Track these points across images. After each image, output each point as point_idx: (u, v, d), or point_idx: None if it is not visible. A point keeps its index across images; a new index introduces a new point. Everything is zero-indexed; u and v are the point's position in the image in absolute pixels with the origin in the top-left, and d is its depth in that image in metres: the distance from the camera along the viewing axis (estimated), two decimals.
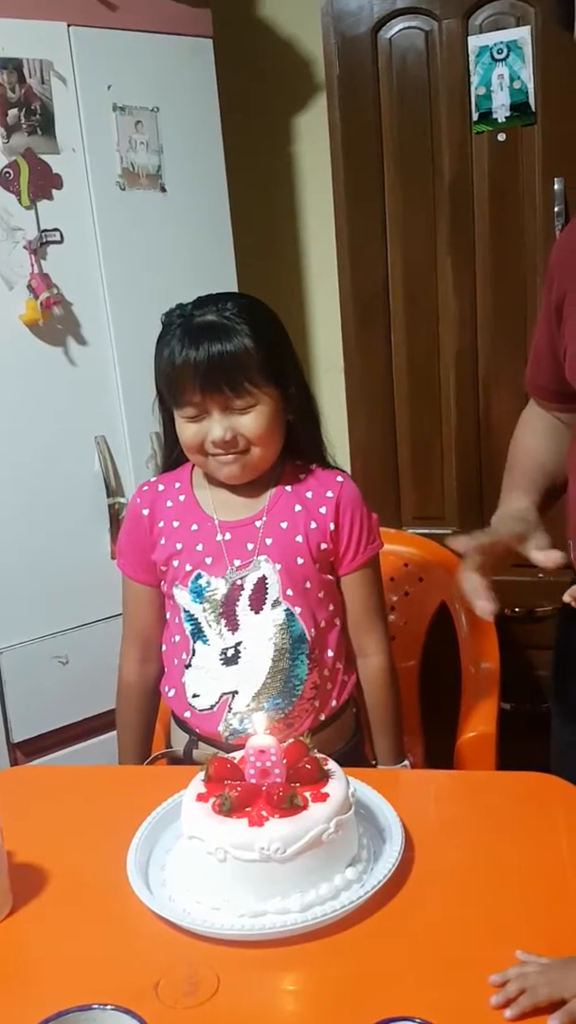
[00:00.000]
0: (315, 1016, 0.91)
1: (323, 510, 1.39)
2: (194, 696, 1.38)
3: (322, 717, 1.39)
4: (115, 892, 1.06)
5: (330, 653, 1.40)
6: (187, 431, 1.34)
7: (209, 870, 1.01)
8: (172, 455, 1.44)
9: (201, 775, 1.09)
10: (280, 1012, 0.93)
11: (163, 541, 1.41)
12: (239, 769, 1.08)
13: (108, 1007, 0.78)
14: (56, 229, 1.94)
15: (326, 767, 1.09)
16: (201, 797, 1.06)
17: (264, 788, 1.04)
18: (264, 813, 1.01)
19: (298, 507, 1.39)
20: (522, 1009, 0.86)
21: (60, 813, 1.25)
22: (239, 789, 1.04)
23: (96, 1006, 0.79)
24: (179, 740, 1.43)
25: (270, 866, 0.99)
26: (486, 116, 1.95)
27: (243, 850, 0.98)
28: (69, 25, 1.91)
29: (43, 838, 1.17)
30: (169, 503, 1.43)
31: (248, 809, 1.02)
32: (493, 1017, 0.86)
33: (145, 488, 1.47)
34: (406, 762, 1.49)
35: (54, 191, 1.94)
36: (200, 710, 1.37)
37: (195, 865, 1.03)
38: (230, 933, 0.98)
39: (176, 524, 1.41)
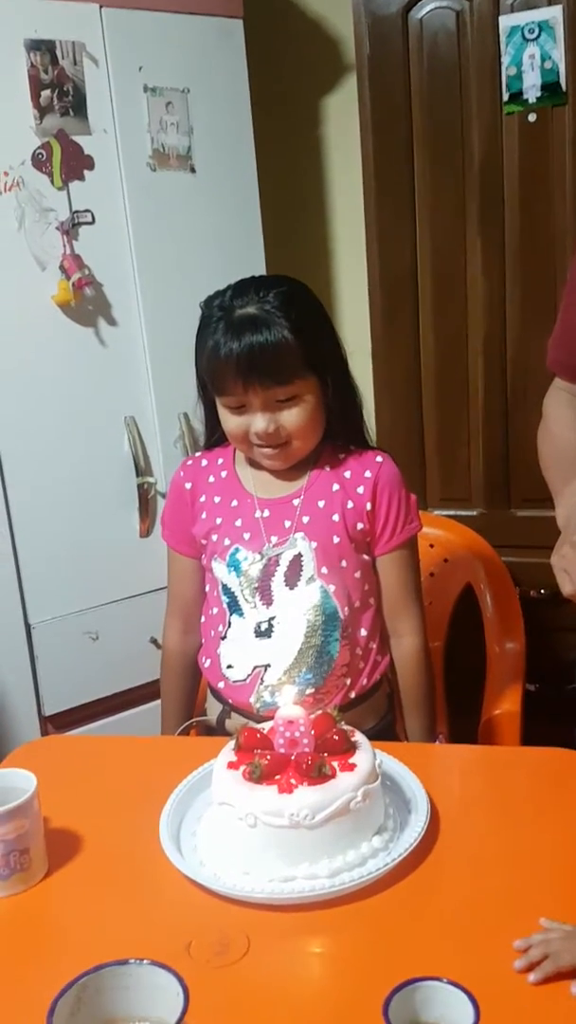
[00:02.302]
0: (342, 977, 0.94)
1: (360, 490, 1.41)
2: (228, 667, 1.40)
3: (352, 695, 1.41)
4: (147, 857, 1.08)
5: (363, 632, 1.42)
6: (230, 422, 1.36)
7: (239, 836, 1.03)
8: (213, 437, 1.47)
9: (231, 744, 1.12)
10: (309, 973, 0.95)
11: (204, 515, 1.44)
12: (268, 739, 1.10)
13: (145, 961, 0.81)
14: (88, 210, 1.96)
15: (353, 739, 1.11)
16: (232, 765, 1.08)
17: (293, 757, 1.07)
18: (293, 781, 1.04)
19: (336, 486, 1.41)
20: (545, 974, 0.88)
21: (93, 781, 1.28)
22: (269, 758, 1.06)
23: (132, 961, 0.81)
24: (214, 710, 1.46)
25: (299, 832, 1.01)
26: (516, 97, 1.94)
27: (273, 816, 1.01)
28: (101, 6, 1.92)
29: (77, 805, 1.20)
30: (211, 478, 1.46)
31: (278, 777, 1.05)
32: (517, 981, 0.88)
33: (189, 463, 1.50)
34: (437, 743, 1.51)
35: (86, 172, 1.95)
36: (233, 681, 1.40)
37: (225, 831, 1.06)
38: (260, 897, 1.00)
39: (217, 499, 1.44)
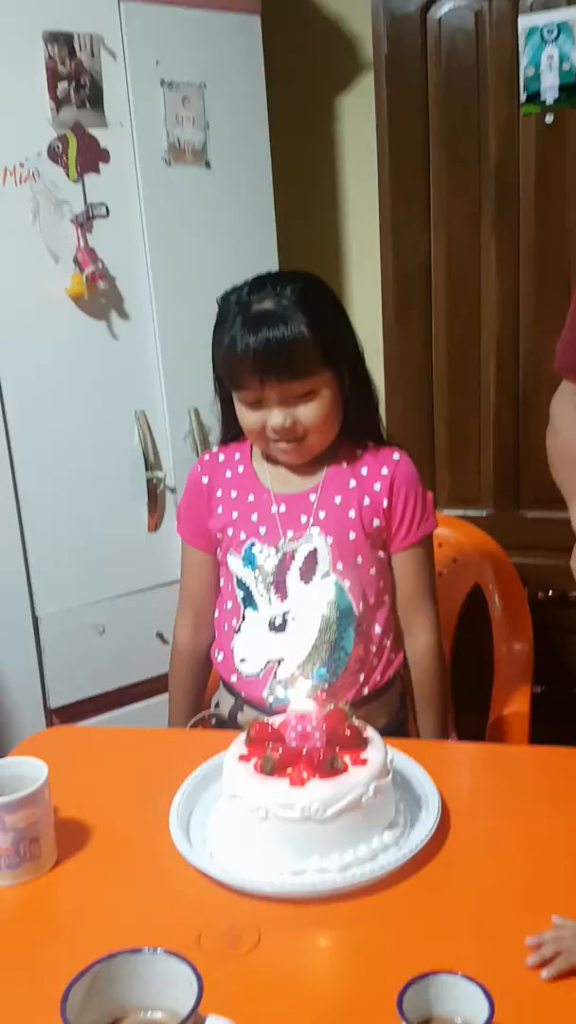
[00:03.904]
0: (353, 970, 0.93)
1: (377, 487, 1.40)
2: (241, 661, 1.40)
3: (366, 691, 1.41)
4: (158, 848, 1.08)
5: (377, 629, 1.42)
6: (248, 418, 1.36)
7: (250, 828, 1.03)
8: (229, 432, 1.47)
9: (243, 737, 1.11)
10: (319, 966, 0.95)
11: (220, 510, 1.44)
12: (280, 733, 1.10)
13: (159, 950, 0.81)
14: (102, 203, 1.96)
15: (365, 734, 1.11)
16: (243, 758, 1.08)
17: (304, 751, 1.07)
18: (305, 774, 1.03)
19: (352, 482, 1.40)
20: (559, 970, 0.87)
21: (103, 771, 1.28)
22: (280, 751, 1.06)
23: (147, 949, 0.81)
24: (226, 704, 1.46)
25: (310, 826, 1.01)
26: (534, 97, 1.94)
27: (284, 809, 1.01)
28: (120, 0, 1.93)
29: (87, 795, 1.20)
30: (228, 473, 1.46)
31: (289, 770, 1.04)
32: (529, 977, 0.88)
33: (206, 457, 1.50)
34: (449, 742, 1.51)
35: (101, 165, 1.95)
36: (246, 675, 1.40)
37: (236, 823, 1.05)
38: (271, 890, 1.00)
39: (234, 494, 1.44)
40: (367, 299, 2.36)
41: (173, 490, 2.13)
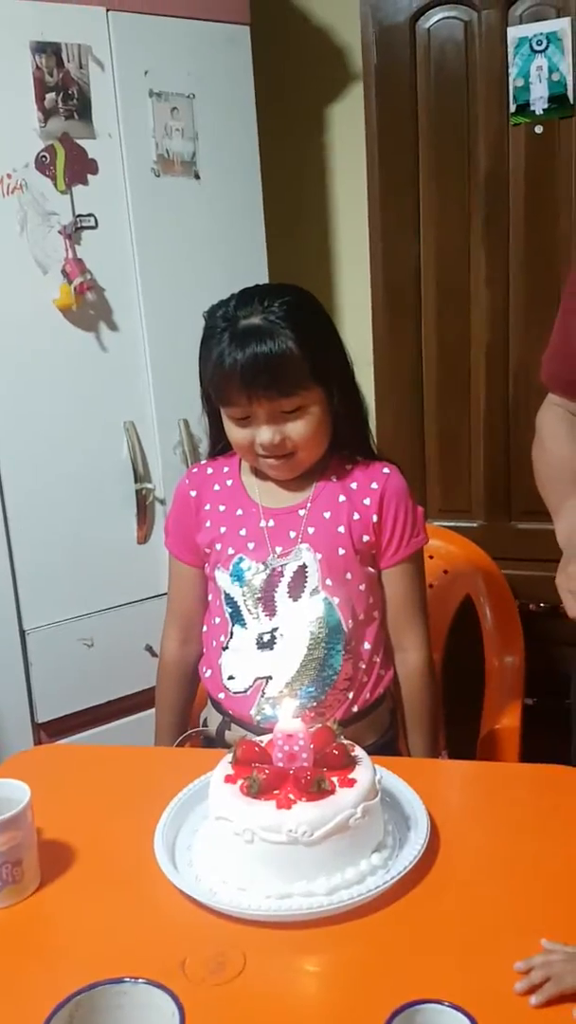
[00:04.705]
0: (339, 997, 0.92)
1: (367, 502, 1.39)
2: (229, 678, 1.39)
3: (355, 709, 1.40)
4: (142, 871, 1.07)
5: (367, 646, 1.40)
6: (236, 433, 1.35)
7: (236, 851, 1.02)
8: (217, 446, 1.46)
9: (229, 757, 1.10)
10: (304, 992, 0.94)
11: (208, 524, 1.43)
12: (267, 752, 1.09)
13: (140, 980, 0.79)
14: (91, 214, 1.95)
15: (353, 753, 1.10)
16: (229, 779, 1.07)
17: (291, 772, 1.05)
18: (292, 796, 1.02)
19: (342, 497, 1.39)
20: (548, 996, 0.86)
21: (88, 791, 1.26)
22: (267, 772, 1.05)
23: (127, 979, 0.79)
24: (214, 721, 1.44)
25: (297, 849, 0.99)
26: (524, 108, 1.94)
27: (271, 832, 0.99)
28: (108, 10, 1.92)
29: (71, 816, 1.18)
30: (217, 487, 1.44)
31: (276, 792, 1.03)
32: (518, 1003, 0.87)
33: (195, 470, 1.49)
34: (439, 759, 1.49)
35: (89, 176, 1.94)
36: (234, 692, 1.39)
37: (222, 846, 1.04)
38: (257, 914, 0.99)
39: (222, 508, 1.42)
40: (358, 309, 2.36)
41: (163, 502, 2.11)
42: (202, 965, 0.94)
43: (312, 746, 1.07)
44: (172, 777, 1.21)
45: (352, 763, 1.08)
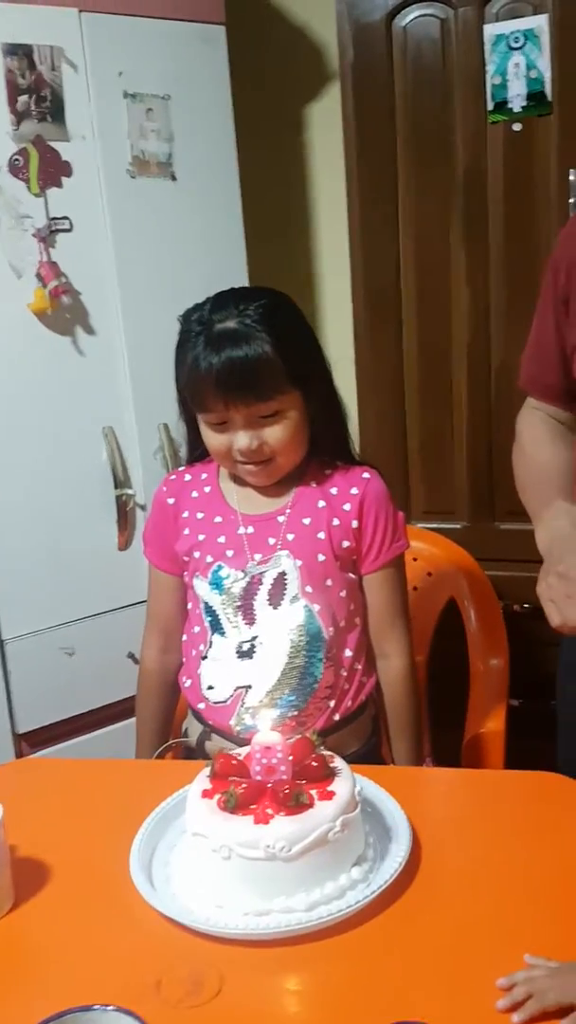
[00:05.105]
0: (319, 1018, 0.90)
1: (347, 507, 1.38)
2: (209, 688, 1.37)
3: (336, 717, 1.38)
4: (118, 889, 1.04)
5: (348, 653, 1.39)
6: (213, 440, 1.33)
7: (213, 868, 1.00)
8: (195, 452, 1.44)
9: (206, 771, 1.08)
10: (284, 1013, 0.92)
11: (187, 531, 1.41)
12: (245, 766, 1.07)
13: (109, 1008, 0.77)
14: (65, 217, 1.92)
15: (332, 764, 1.08)
16: (206, 793, 1.04)
17: (270, 785, 1.03)
18: (270, 811, 1.00)
19: (322, 503, 1.38)
20: (530, 1014, 0.84)
21: (64, 807, 1.24)
22: (244, 786, 1.02)
23: (97, 1007, 0.78)
24: (194, 732, 1.42)
25: (275, 865, 0.97)
26: (501, 106, 1.92)
27: (248, 848, 0.97)
28: (80, 11, 1.89)
29: (46, 832, 1.16)
30: (195, 494, 1.42)
31: (253, 806, 1.01)
32: (501, 1021, 0.85)
33: (172, 477, 1.47)
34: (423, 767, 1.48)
35: (64, 179, 1.92)
36: (214, 702, 1.37)
37: (199, 862, 1.02)
38: (234, 932, 0.96)
39: (200, 515, 1.40)
40: (338, 309, 2.34)
41: (143, 507, 2.09)
42: (178, 986, 0.91)
43: (291, 758, 1.05)
44: (152, 790, 1.19)
45: (331, 775, 1.06)
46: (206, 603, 1.38)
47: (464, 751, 1.61)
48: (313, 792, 1.03)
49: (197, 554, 1.39)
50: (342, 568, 1.38)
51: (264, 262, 2.25)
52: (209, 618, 1.38)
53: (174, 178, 2.05)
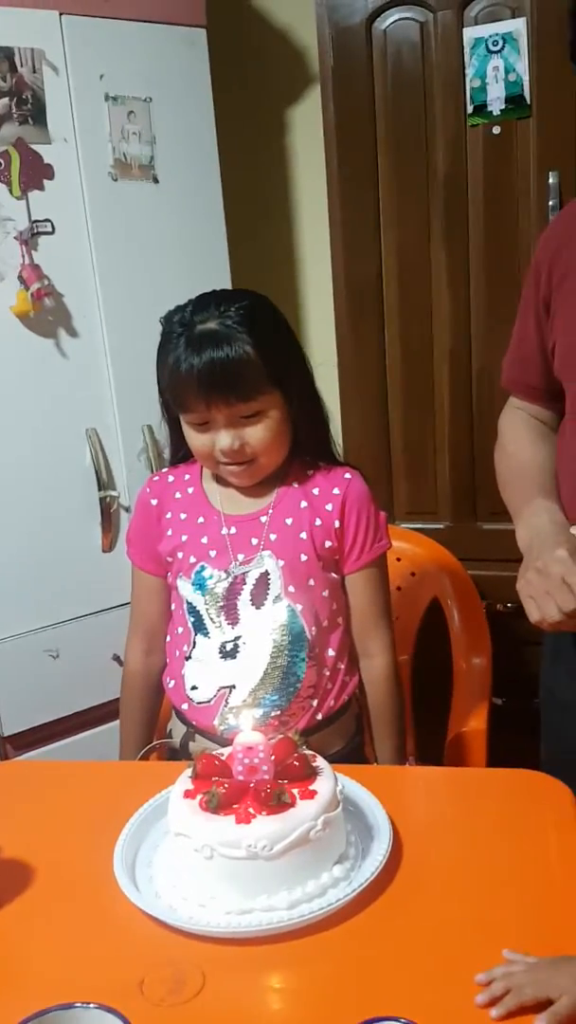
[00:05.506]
0: (301, 1015, 0.91)
1: (329, 507, 1.38)
2: (192, 688, 1.38)
3: (320, 716, 1.38)
4: (101, 889, 1.05)
5: (331, 652, 1.39)
6: (195, 440, 1.34)
7: (196, 867, 1.00)
8: (178, 454, 1.45)
9: (189, 771, 1.09)
10: (266, 1010, 0.92)
11: (170, 532, 1.41)
12: (227, 766, 1.07)
13: (91, 1005, 0.78)
14: (47, 220, 1.93)
15: (314, 763, 1.09)
16: (188, 794, 1.05)
17: (252, 785, 1.04)
18: (251, 810, 1.01)
19: (304, 503, 1.38)
20: (508, 1009, 0.85)
21: (47, 809, 1.24)
22: (226, 786, 1.03)
23: (79, 1004, 0.78)
24: (178, 733, 1.43)
25: (257, 864, 0.98)
26: (481, 109, 1.93)
27: (230, 848, 0.98)
28: (61, 14, 1.90)
29: (30, 834, 1.17)
30: (178, 495, 1.43)
31: (235, 806, 1.02)
32: (479, 1016, 0.86)
33: (155, 479, 1.47)
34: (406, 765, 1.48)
35: (45, 181, 1.92)
36: (197, 703, 1.37)
37: (182, 862, 1.03)
38: (216, 930, 0.97)
39: (183, 516, 1.41)
40: (320, 311, 2.35)
41: (128, 509, 2.09)
42: (160, 984, 0.92)
43: (273, 758, 1.06)
44: (135, 791, 1.20)
45: (313, 774, 1.07)
46: (189, 604, 1.39)
47: (447, 750, 1.62)
48: (295, 791, 1.04)
49: (180, 555, 1.40)
50: (324, 568, 1.39)
51: (246, 264, 2.26)
52: (192, 618, 1.38)
53: (156, 180, 2.06)
